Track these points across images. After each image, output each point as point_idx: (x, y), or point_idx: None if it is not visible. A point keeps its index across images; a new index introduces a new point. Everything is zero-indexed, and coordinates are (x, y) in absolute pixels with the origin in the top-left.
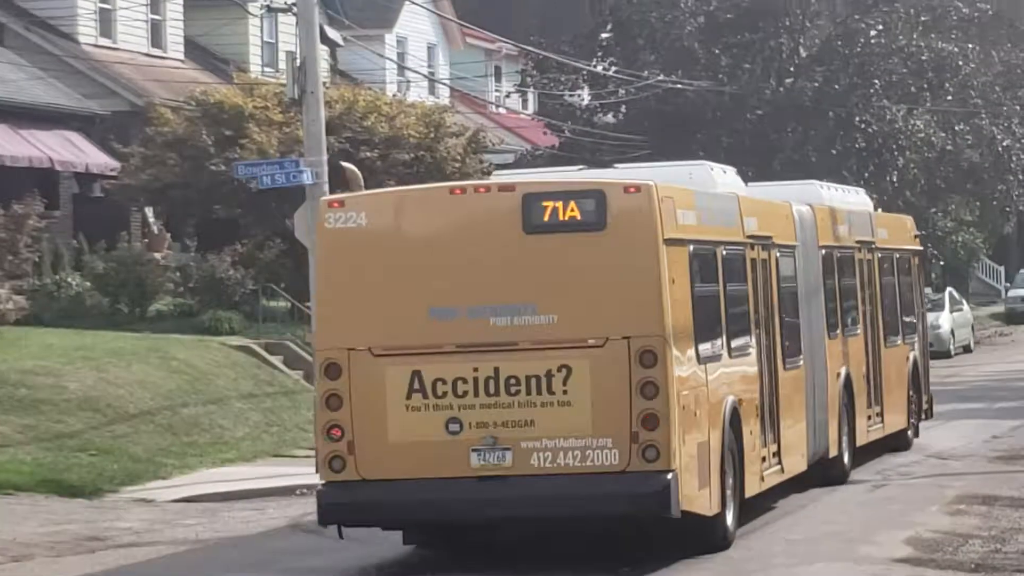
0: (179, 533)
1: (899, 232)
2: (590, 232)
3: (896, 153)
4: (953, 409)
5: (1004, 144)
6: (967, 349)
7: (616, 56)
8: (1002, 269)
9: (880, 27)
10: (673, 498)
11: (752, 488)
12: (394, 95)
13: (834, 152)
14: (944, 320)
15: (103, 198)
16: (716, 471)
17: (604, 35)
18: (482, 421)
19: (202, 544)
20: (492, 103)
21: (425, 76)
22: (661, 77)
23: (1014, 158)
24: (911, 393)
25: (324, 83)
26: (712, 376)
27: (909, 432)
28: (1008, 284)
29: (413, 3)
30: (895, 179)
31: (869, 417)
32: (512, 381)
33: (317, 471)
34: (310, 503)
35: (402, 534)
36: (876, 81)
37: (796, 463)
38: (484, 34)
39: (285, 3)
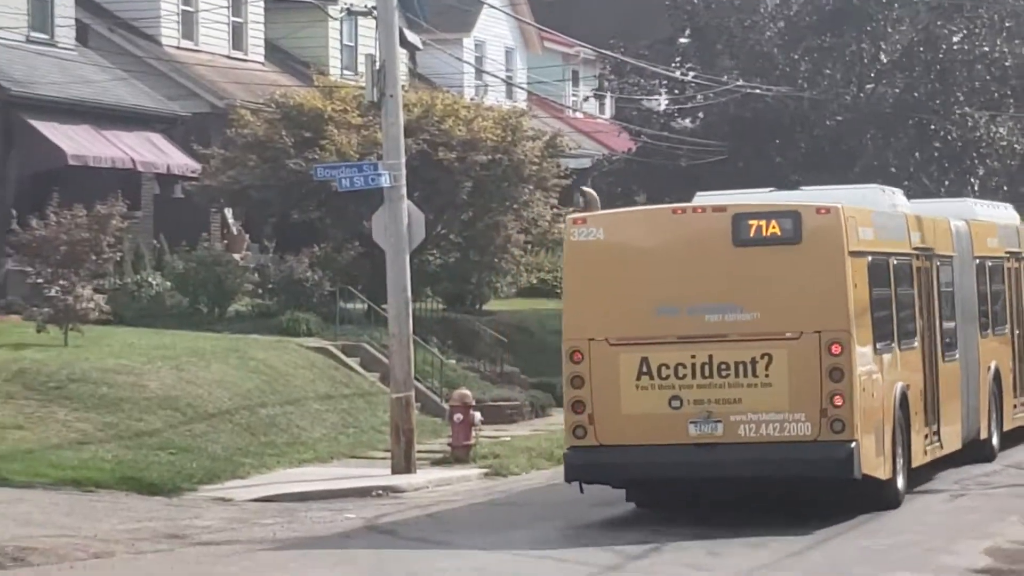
0: (256, 532)
1: None
2: (788, 245)
3: (977, 161)
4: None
5: None
6: None
7: (694, 61)
8: None
9: (963, 33)
10: (856, 463)
11: (917, 460)
12: (472, 98)
13: (914, 159)
14: None
15: (184, 199)
16: (889, 443)
17: (683, 40)
18: (698, 399)
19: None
20: (569, 107)
21: (503, 80)
22: (740, 82)
23: None
24: None
25: (403, 86)
26: (886, 365)
27: None
28: None
29: (491, 7)
30: (976, 187)
31: (1015, 406)
32: (723, 366)
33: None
34: (386, 504)
35: (625, 492)
36: (958, 88)
37: (952, 442)
38: (562, 38)
39: (365, 6)
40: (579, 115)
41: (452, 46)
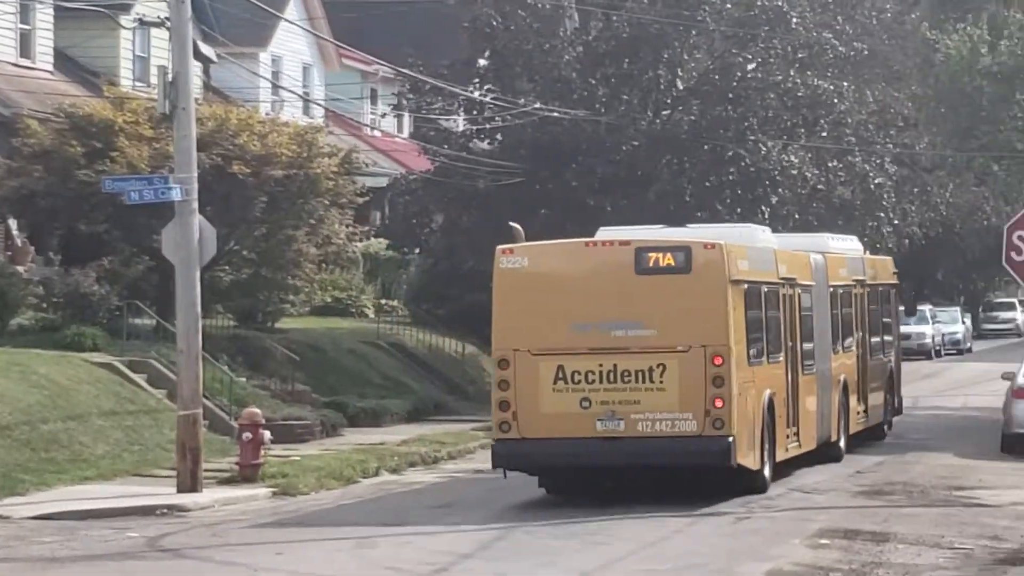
0: (34, 551)
1: (883, 271)
2: (680, 274)
3: (769, 188)
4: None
5: (876, 182)
6: None
7: (493, 83)
8: None
9: (757, 62)
10: (732, 454)
11: (780, 455)
12: (267, 113)
13: (708, 184)
14: None
15: None
16: (758, 440)
17: (482, 61)
18: (604, 400)
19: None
20: (367, 125)
21: (299, 96)
22: (538, 105)
23: (885, 196)
24: (888, 395)
25: (196, 99)
26: (757, 375)
27: (885, 426)
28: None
29: (289, 22)
30: (767, 214)
31: (859, 412)
32: (626, 373)
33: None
34: (171, 523)
35: (538, 479)
36: (752, 116)
37: (809, 442)
38: (360, 55)
39: (158, 17)
40: (377, 133)
41: (248, 60)
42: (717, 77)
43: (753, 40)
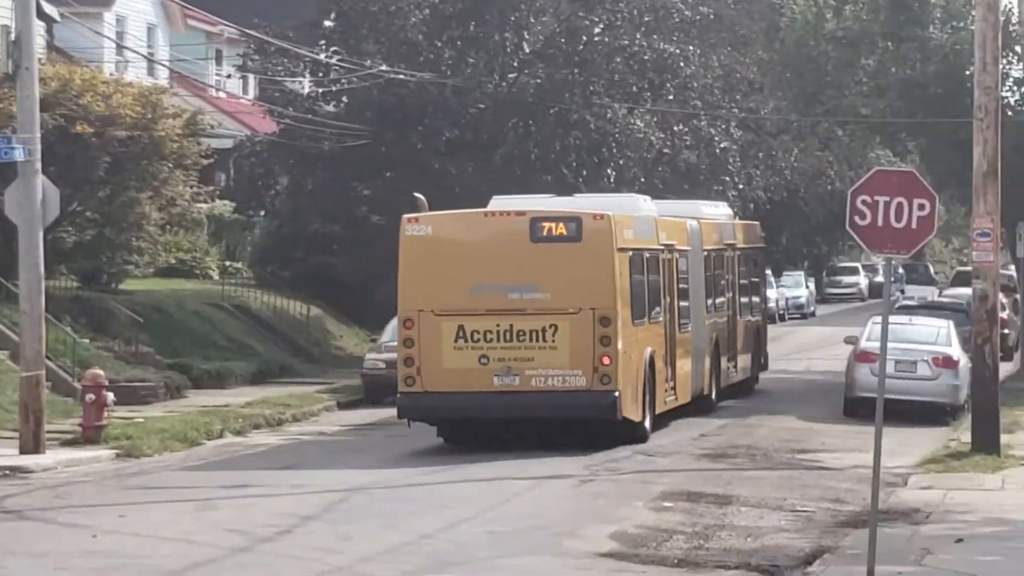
0: None
1: (752, 235)
2: (572, 242)
3: (615, 151)
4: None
5: (722, 146)
6: None
7: (339, 45)
8: None
9: (603, 26)
10: (618, 408)
11: (660, 407)
12: (111, 74)
13: (555, 148)
14: None
15: None
16: (641, 394)
17: (328, 23)
18: (501, 357)
19: None
20: (212, 86)
21: (144, 56)
22: (384, 67)
23: (730, 160)
24: (755, 353)
25: (40, 59)
26: (639, 334)
27: (753, 381)
28: None
29: None
30: (613, 178)
31: (730, 368)
32: (521, 333)
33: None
34: (13, 485)
35: (437, 429)
36: (597, 80)
37: (684, 396)
38: (206, 16)
39: None
40: (222, 95)
41: (92, 20)
42: (563, 40)
43: (599, 3)
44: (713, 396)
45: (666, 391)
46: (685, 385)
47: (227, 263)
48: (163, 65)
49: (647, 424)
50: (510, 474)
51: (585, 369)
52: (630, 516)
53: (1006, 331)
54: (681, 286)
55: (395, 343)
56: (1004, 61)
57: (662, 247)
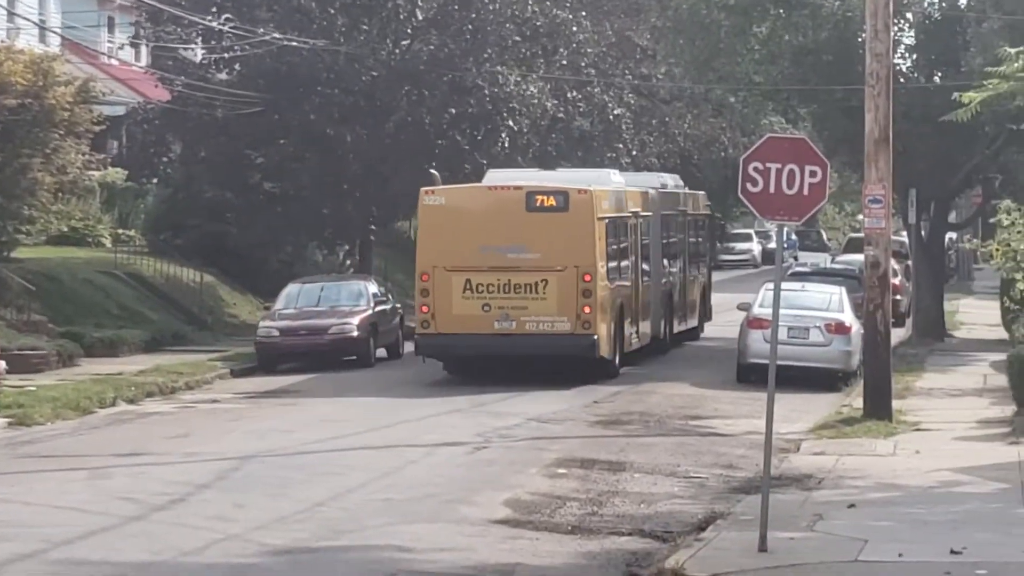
0: None
1: (699, 203)
2: (560, 212)
3: (508, 118)
4: (556, 374)
5: (615, 113)
6: None
7: (232, 12)
8: None
9: None
10: (597, 348)
11: (628, 348)
12: (2, 41)
13: (448, 115)
14: None
15: None
16: (613, 337)
17: None
18: (501, 305)
19: None
20: (104, 54)
21: (34, 23)
22: (276, 35)
23: (624, 127)
24: (701, 305)
25: None
26: (613, 287)
27: (699, 329)
28: None
29: None
30: (506, 144)
31: (680, 317)
32: (517, 286)
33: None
34: None
35: (442, 365)
36: (491, 46)
37: (645, 339)
38: None
39: None
40: (114, 62)
41: None
42: (456, 7)
43: None
44: (668, 340)
45: (632, 335)
46: (646, 331)
47: (120, 231)
48: (54, 32)
49: (617, 362)
50: (404, 442)
51: (570, 316)
52: (524, 483)
53: (898, 297)
54: (644, 248)
55: (289, 310)
56: (895, 28)
57: (630, 214)
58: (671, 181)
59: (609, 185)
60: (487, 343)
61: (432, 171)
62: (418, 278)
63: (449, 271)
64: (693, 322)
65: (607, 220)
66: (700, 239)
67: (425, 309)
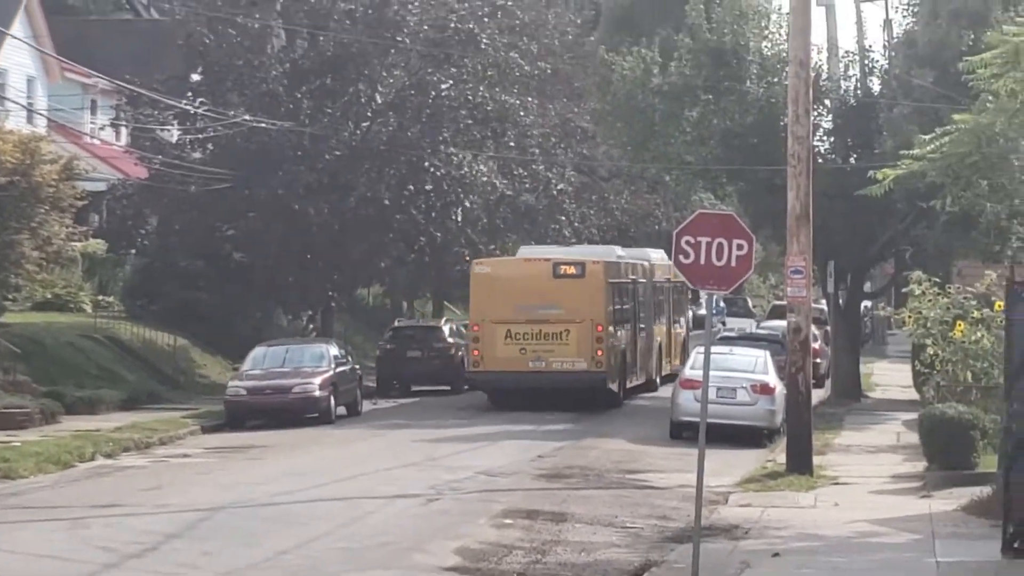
0: None
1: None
2: (578, 278)
3: (461, 194)
4: (503, 431)
5: (558, 188)
6: None
7: (206, 96)
8: None
9: (451, 82)
10: (608, 383)
11: (629, 384)
12: None
13: (406, 192)
14: None
15: None
16: (619, 375)
17: (195, 76)
18: (534, 349)
19: None
20: (87, 134)
21: (23, 106)
22: (247, 117)
23: (566, 201)
24: (682, 353)
25: None
26: (618, 337)
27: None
28: None
29: (14, 38)
30: (459, 218)
31: (667, 362)
32: (546, 334)
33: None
34: None
35: (488, 396)
36: (445, 129)
37: (642, 378)
38: (81, 69)
39: None
40: (97, 142)
41: None
42: (413, 93)
43: (447, 59)
44: (657, 380)
45: (632, 374)
46: (642, 372)
47: (100, 297)
48: (41, 115)
49: (621, 395)
50: (363, 494)
51: (586, 358)
52: (473, 532)
53: (818, 360)
54: (640, 306)
55: (256, 371)
56: (815, 113)
57: (630, 280)
58: (657, 254)
59: (613, 258)
60: (523, 379)
61: (476, 261)
62: (470, 329)
63: (494, 323)
64: (676, 368)
65: (613, 284)
66: (681, 302)
67: (476, 353)
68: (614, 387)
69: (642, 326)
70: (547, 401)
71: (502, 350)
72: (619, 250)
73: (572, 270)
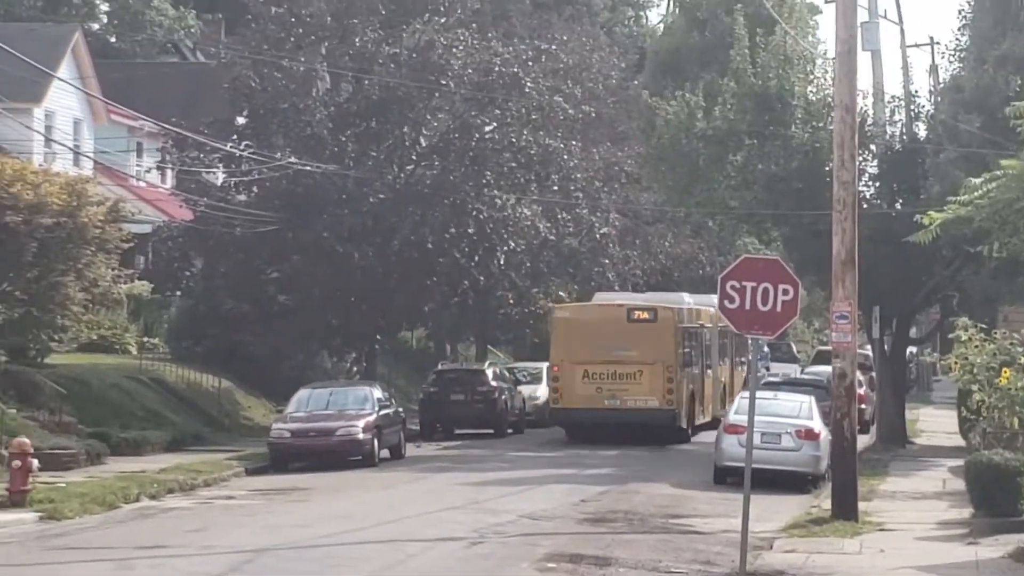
0: None
1: None
2: (651, 323)
3: (505, 238)
4: (546, 474)
5: (602, 232)
6: None
7: (251, 139)
8: None
9: (495, 124)
10: (677, 420)
11: (697, 421)
12: (40, 165)
13: (449, 235)
14: (542, 392)
15: None
16: (687, 412)
17: (240, 119)
18: (609, 388)
19: None
20: (133, 176)
21: (70, 149)
22: (291, 159)
23: (610, 244)
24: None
25: None
26: (687, 377)
27: None
28: None
29: (61, 80)
30: (503, 261)
31: (730, 401)
32: (620, 374)
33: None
34: None
35: (565, 432)
36: (489, 172)
37: (708, 415)
38: (128, 112)
39: None
40: (142, 184)
41: (23, 115)
42: (457, 136)
43: (491, 103)
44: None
45: (699, 412)
46: (708, 409)
47: (145, 339)
48: (88, 157)
49: (689, 431)
50: (406, 536)
51: (658, 396)
52: None
53: (863, 406)
54: (706, 349)
55: (300, 413)
56: (860, 158)
57: (697, 325)
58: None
59: (683, 304)
60: (599, 415)
61: (555, 305)
62: (550, 369)
63: (572, 364)
64: None
65: (682, 329)
66: (742, 344)
67: (556, 391)
68: (683, 423)
69: (708, 367)
70: (620, 436)
71: (580, 388)
72: (688, 297)
73: (645, 315)
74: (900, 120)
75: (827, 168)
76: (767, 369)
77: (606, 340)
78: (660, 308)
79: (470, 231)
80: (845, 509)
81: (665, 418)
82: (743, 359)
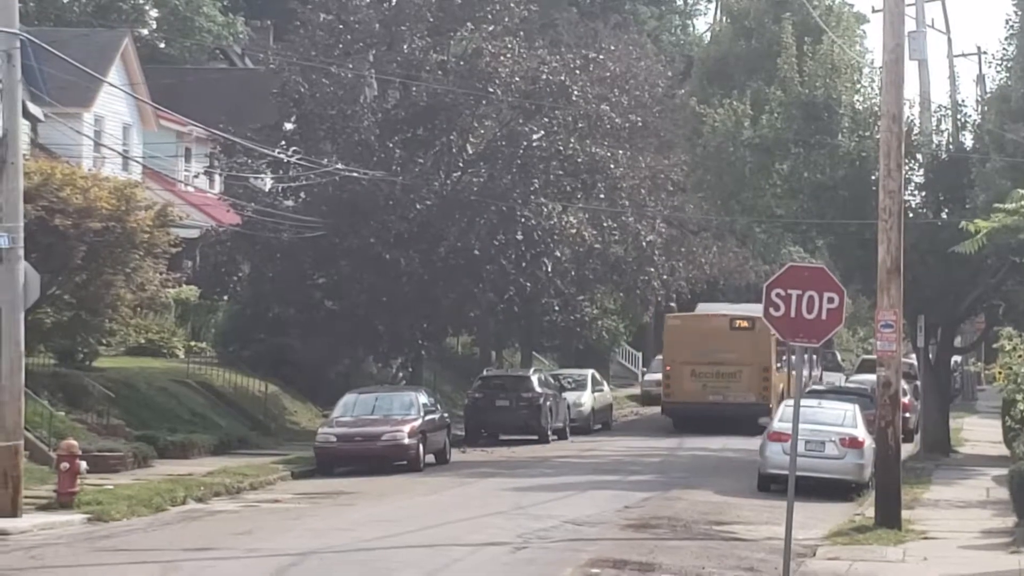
0: None
1: None
2: (750, 330)
3: (551, 245)
4: (590, 480)
5: (648, 240)
6: (606, 426)
7: (298, 145)
8: (640, 355)
9: (542, 132)
10: (770, 413)
11: None
12: (90, 169)
13: (496, 242)
14: (586, 399)
15: None
16: (777, 402)
17: (288, 125)
18: (714, 385)
19: None
20: (181, 182)
21: (119, 153)
22: (339, 166)
23: (655, 254)
24: None
25: (24, 155)
26: (778, 376)
27: None
28: (645, 369)
29: (111, 85)
30: (549, 269)
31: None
32: (723, 373)
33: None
34: None
35: (673, 422)
36: (535, 180)
37: None
38: (176, 117)
39: None
40: (190, 189)
41: (73, 120)
42: (504, 144)
43: (538, 111)
44: None
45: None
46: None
47: (192, 343)
48: (137, 161)
49: None
50: (451, 541)
51: (755, 393)
52: None
53: (907, 415)
54: (779, 353)
55: (346, 418)
56: (906, 167)
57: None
58: None
59: None
60: (704, 408)
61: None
62: (663, 368)
63: (681, 364)
64: None
65: (775, 336)
66: (818, 350)
67: (667, 386)
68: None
69: (783, 368)
70: (722, 426)
71: (688, 385)
72: None
73: (745, 324)
74: (947, 129)
75: (873, 177)
76: (819, 378)
77: (711, 344)
78: (758, 318)
79: (517, 238)
80: (889, 517)
81: (760, 411)
82: (819, 362)
